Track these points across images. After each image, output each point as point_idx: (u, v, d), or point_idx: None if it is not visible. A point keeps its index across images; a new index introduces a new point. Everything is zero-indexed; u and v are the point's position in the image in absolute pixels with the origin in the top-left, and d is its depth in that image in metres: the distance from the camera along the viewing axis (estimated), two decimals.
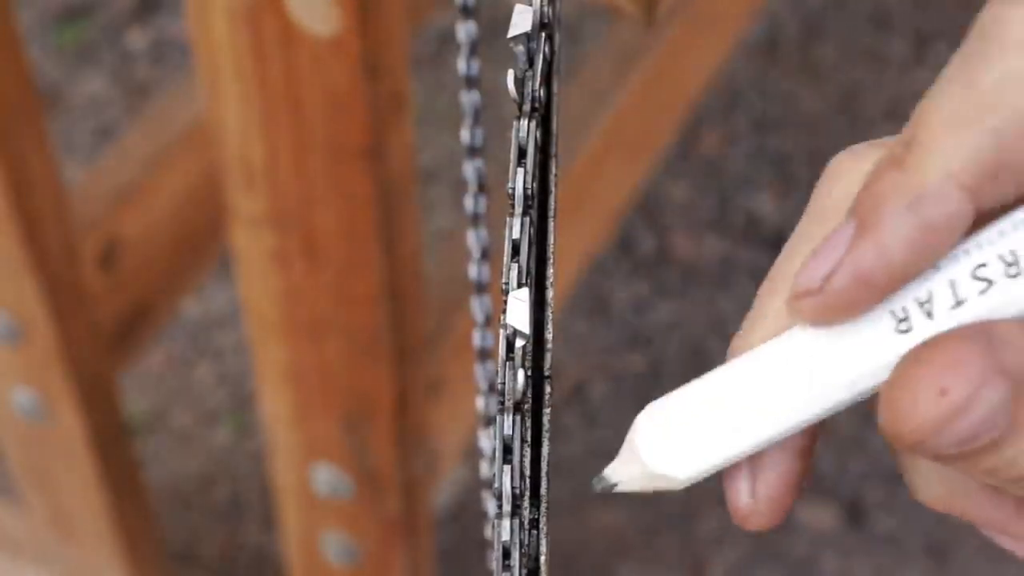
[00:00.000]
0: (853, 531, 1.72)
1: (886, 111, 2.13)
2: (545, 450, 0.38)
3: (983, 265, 0.33)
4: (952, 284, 0.33)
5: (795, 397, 0.35)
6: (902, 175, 0.34)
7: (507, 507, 0.36)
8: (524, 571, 0.36)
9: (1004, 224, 0.33)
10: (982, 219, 0.34)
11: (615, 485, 0.36)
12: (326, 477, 1.11)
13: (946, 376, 0.31)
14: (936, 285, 0.33)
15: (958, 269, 0.33)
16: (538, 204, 0.41)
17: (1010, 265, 0.33)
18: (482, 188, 0.54)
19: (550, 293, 0.40)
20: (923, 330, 0.33)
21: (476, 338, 0.56)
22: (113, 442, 1.30)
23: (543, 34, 0.42)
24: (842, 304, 0.34)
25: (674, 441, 0.35)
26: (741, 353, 0.36)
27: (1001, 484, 0.33)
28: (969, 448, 0.32)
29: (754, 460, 0.36)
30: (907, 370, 0.32)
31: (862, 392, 0.35)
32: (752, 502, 0.36)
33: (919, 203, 0.33)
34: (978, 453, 0.32)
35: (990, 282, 0.33)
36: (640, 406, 0.37)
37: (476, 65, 0.55)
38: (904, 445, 0.32)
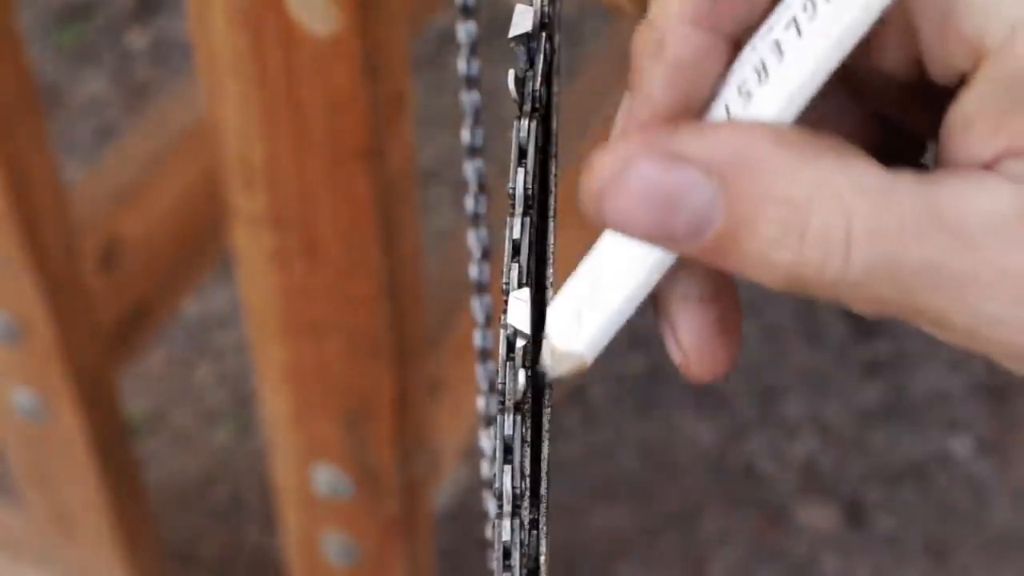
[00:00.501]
0: (853, 531, 1.72)
1: None
2: (545, 450, 0.38)
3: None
4: (725, 103, 0.35)
5: (630, 261, 0.37)
6: (647, 29, 0.35)
7: (507, 507, 0.36)
8: (524, 571, 0.36)
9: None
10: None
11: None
12: (326, 477, 1.11)
13: (606, 153, 0.33)
14: (717, 105, 0.35)
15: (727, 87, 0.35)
16: (538, 204, 0.41)
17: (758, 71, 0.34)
18: (482, 188, 0.54)
19: (550, 293, 0.40)
20: None
21: (477, 338, 0.56)
22: (113, 442, 1.30)
23: (543, 34, 0.42)
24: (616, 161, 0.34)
25: (567, 322, 0.37)
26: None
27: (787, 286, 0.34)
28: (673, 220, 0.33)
29: (669, 319, 0.38)
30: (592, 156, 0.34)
31: None
32: (681, 354, 0.37)
33: (659, 49, 0.35)
34: (717, 251, 0.33)
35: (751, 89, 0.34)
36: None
37: (476, 65, 0.55)
38: (589, 208, 0.34)
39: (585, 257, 0.38)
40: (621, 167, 0.33)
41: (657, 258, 0.37)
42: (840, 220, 0.32)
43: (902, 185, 0.32)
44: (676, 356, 0.38)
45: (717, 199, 0.32)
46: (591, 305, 0.37)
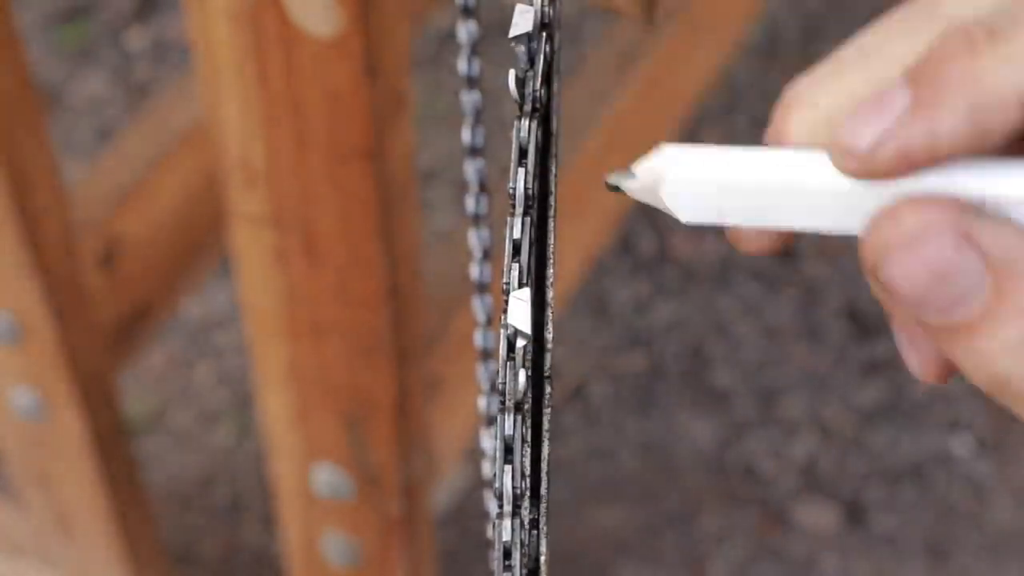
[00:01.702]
0: (853, 531, 1.72)
1: None
2: (545, 450, 0.38)
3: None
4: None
5: (805, 206, 0.37)
6: (974, 68, 0.35)
7: (507, 507, 0.36)
8: (524, 571, 0.36)
9: None
10: None
11: (618, 188, 0.39)
12: (326, 477, 1.11)
13: (906, 213, 0.34)
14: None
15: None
16: (538, 204, 0.41)
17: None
18: (483, 188, 0.54)
19: (550, 293, 0.40)
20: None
21: (478, 338, 0.56)
22: (113, 442, 1.30)
23: (544, 34, 0.42)
24: (880, 171, 0.35)
25: (690, 188, 0.37)
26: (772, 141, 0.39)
27: (970, 374, 0.36)
28: (934, 304, 0.34)
29: (911, 332, 0.39)
30: (883, 210, 0.35)
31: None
32: (922, 363, 0.39)
33: (982, 109, 0.35)
34: (951, 330, 0.34)
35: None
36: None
37: (477, 65, 0.55)
38: (866, 266, 0.35)
39: (758, 149, 0.38)
40: (920, 234, 0.34)
41: (829, 227, 0.37)
42: None
43: None
44: (915, 363, 0.39)
45: (984, 290, 0.34)
46: (727, 199, 0.37)
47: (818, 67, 0.39)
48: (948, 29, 0.36)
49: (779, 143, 0.39)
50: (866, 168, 0.35)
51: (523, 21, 0.41)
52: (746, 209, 0.37)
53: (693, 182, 0.37)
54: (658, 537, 1.72)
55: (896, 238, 0.34)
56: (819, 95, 0.38)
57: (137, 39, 2.23)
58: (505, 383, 0.37)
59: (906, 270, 0.34)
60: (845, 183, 0.36)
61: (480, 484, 1.50)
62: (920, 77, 0.35)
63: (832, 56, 0.39)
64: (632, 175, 0.39)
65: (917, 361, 0.39)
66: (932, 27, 0.37)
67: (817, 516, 1.73)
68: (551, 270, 0.40)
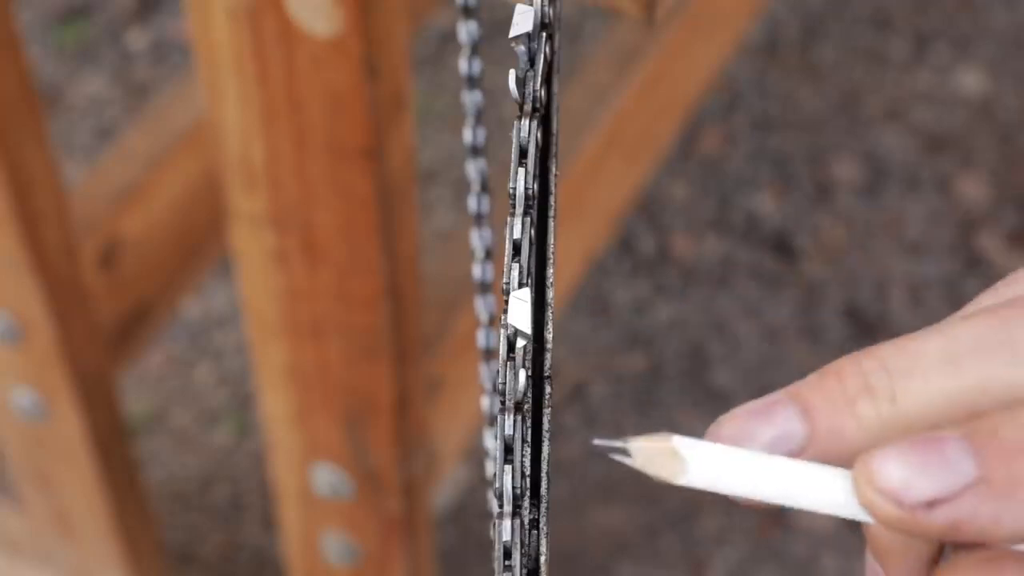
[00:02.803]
0: (853, 531, 1.72)
1: (886, 111, 2.13)
2: (545, 450, 0.38)
3: None
4: None
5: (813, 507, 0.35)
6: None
7: (508, 507, 0.36)
8: (524, 571, 0.36)
9: None
10: None
11: (624, 451, 0.37)
12: (326, 477, 1.11)
13: None
14: None
15: None
16: (539, 204, 0.41)
17: None
18: (484, 188, 0.54)
19: (550, 293, 0.40)
20: None
21: (480, 338, 0.56)
22: (113, 442, 1.30)
23: (543, 34, 0.42)
24: (922, 531, 0.33)
25: (694, 479, 0.35)
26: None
27: None
28: None
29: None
30: None
31: None
32: None
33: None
34: None
35: None
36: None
37: (477, 65, 0.55)
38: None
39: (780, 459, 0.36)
40: None
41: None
42: None
43: None
44: None
45: None
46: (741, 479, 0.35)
47: (895, 348, 0.35)
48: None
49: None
50: (906, 521, 0.33)
51: (523, 21, 0.41)
52: (756, 497, 0.36)
53: (703, 483, 0.35)
54: (658, 537, 1.72)
55: None
56: (898, 391, 0.35)
57: (137, 39, 2.23)
58: (505, 383, 0.37)
59: None
60: (860, 511, 0.34)
61: (481, 484, 1.50)
62: (987, 450, 0.33)
63: (908, 340, 0.36)
64: (626, 450, 0.37)
65: None
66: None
67: (817, 516, 1.73)
68: (551, 270, 0.40)
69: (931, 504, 0.32)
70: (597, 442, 0.36)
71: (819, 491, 0.35)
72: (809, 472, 0.35)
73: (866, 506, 0.33)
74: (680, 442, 0.35)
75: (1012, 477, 0.32)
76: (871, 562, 0.39)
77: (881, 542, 0.38)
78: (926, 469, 0.33)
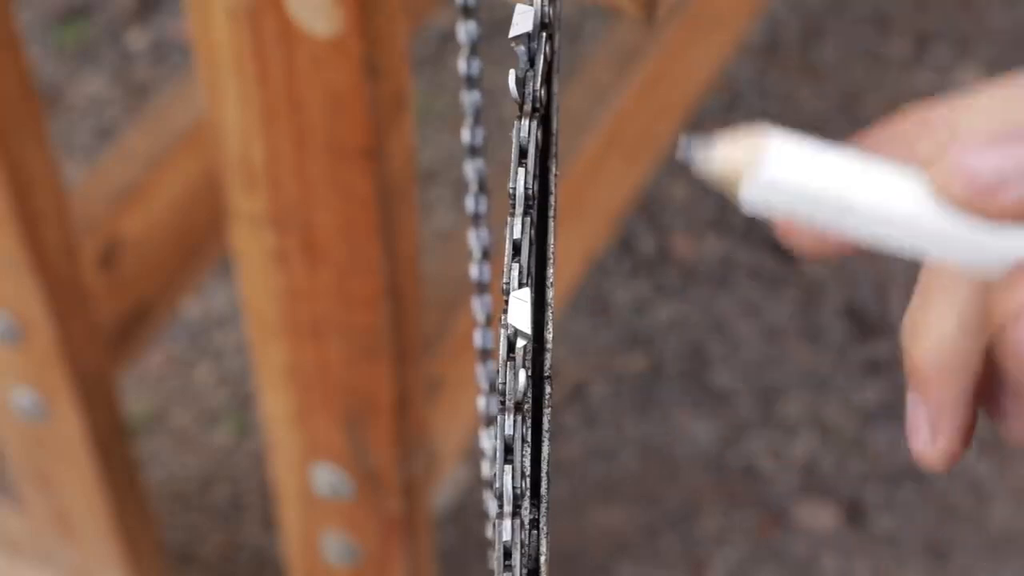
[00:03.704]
0: (853, 531, 1.72)
1: (886, 111, 2.13)
2: (545, 450, 0.38)
3: None
4: None
5: (890, 226, 0.36)
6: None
7: (508, 507, 0.36)
8: (524, 571, 0.36)
9: None
10: None
11: (700, 160, 0.35)
12: (326, 477, 1.11)
13: None
14: None
15: None
16: (538, 204, 0.41)
17: None
18: (483, 188, 0.54)
19: (550, 293, 0.40)
20: None
21: (477, 338, 0.56)
22: (113, 442, 1.30)
23: (543, 34, 0.42)
24: (997, 212, 0.34)
25: (773, 188, 0.35)
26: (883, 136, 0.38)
27: None
28: None
29: (941, 411, 0.39)
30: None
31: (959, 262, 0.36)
32: (932, 442, 0.39)
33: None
34: None
35: None
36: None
37: (477, 65, 0.55)
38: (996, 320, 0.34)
39: (865, 155, 0.36)
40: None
41: (919, 253, 0.36)
42: None
43: None
44: (923, 441, 0.39)
45: None
46: (820, 202, 0.35)
47: (952, 98, 0.38)
48: None
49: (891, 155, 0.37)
50: (977, 202, 0.34)
51: (523, 21, 0.41)
52: (823, 217, 0.35)
53: (780, 184, 0.35)
54: (658, 537, 1.72)
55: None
56: (956, 124, 0.37)
57: (137, 39, 2.23)
58: (505, 383, 0.37)
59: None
60: (940, 213, 0.35)
61: (480, 484, 1.50)
62: None
63: (967, 93, 0.38)
64: (711, 150, 0.35)
65: (929, 442, 0.39)
66: None
67: (817, 516, 1.73)
68: (551, 270, 0.40)
69: (1002, 182, 0.33)
70: (682, 143, 0.36)
71: (894, 191, 0.35)
72: (888, 171, 0.35)
73: (942, 189, 0.34)
74: (769, 130, 0.35)
75: None
76: (912, 402, 0.40)
77: (922, 360, 0.39)
78: (999, 152, 0.34)
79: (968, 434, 0.39)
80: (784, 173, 0.35)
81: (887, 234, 0.35)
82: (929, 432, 0.39)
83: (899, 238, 0.35)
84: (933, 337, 0.38)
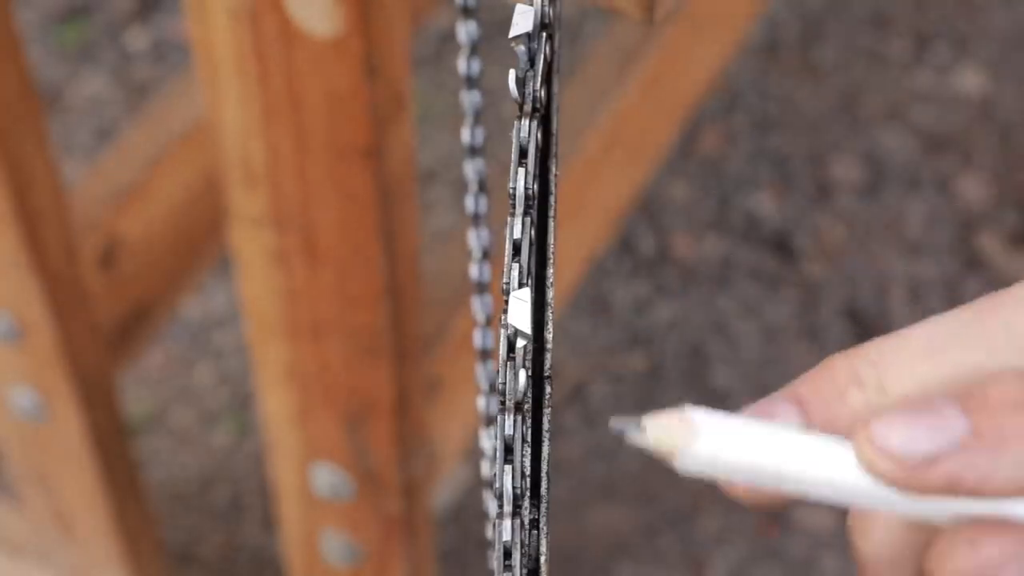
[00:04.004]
0: None
1: (886, 111, 2.13)
2: (545, 450, 0.38)
3: None
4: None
5: (821, 490, 0.37)
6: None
7: (508, 507, 0.36)
8: (524, 571, 0.36)
9: None
10: None
11: (638, 435, 0.38)
12: (326, 477, 1.11)
13: (986, 542, 0.35)
14: None
15: None
16: (539, 204, 0.41)
17: None
18: (482, 188, 0.54)
19: (550, 293, 0.40)
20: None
21: (477, 338, 0.56)
22: (113, 442, 1.30)
23: (543, 34, 0.42)
24: (920, 486, 0.36)
25: (705, 461, 0.37)
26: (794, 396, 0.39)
27: None
28: None
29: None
30: (957, 533, 0.36)
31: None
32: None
33: None
34: None
35: None
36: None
37: (476, 65, 0.55)
38: None
39: (789, 430, 0.38)
40: (1001, 566, 0.35)
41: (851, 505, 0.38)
42: None
43: None
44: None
45: None
46: (755, 464, 0.37)
47: (880, 342, 0.39)
48: (1006, 371, 0.36)
49: (825, 413, 0.38)
50: (906, 480, 0.35)
51: (523, 21, 0.41)
52: (758, 480, 0.37)
53: (711, 458, 0.37)
54: (658, 537, 1.72)
55: (976, 568, 0.35)
56: (884, 378, 0.38)
57: (137, 39, 2.23)
58: (505, 383, 0.37)
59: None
60: (868, 480, 0.36)
61: (480, 484, 1.50)
62: (979, 409, 0.36)
63: (893, 337, 0.39)
64: (640, 429, 0.38)
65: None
66: (1001, 343, 0.38)
67: (817, 516, 1.73)
68: (551, 270, 0.40)
69: (929, 461, 0.35)
70: (614, 421, 0.38)
71: (823, 462, 0.36)
72: (814, 443, 0.37)
73: (868, 467, 0.36)
74: (694, 411, 0.38)
75: (1002, 431, 0.35)
76: None
77: (870, 556, 0.40)
78: (923, 429, 0.35)
79: None
80: (715, 449, 0.37)
81: (819, 495, 0.37)
82: None
83: (832, 498, 0.37)
84: (877, 538, 0.40)
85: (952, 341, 0.38)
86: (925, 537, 0.38)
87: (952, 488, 0.35)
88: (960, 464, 0.35)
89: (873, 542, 0.39)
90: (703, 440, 0.37)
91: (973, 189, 2.04)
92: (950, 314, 0.38)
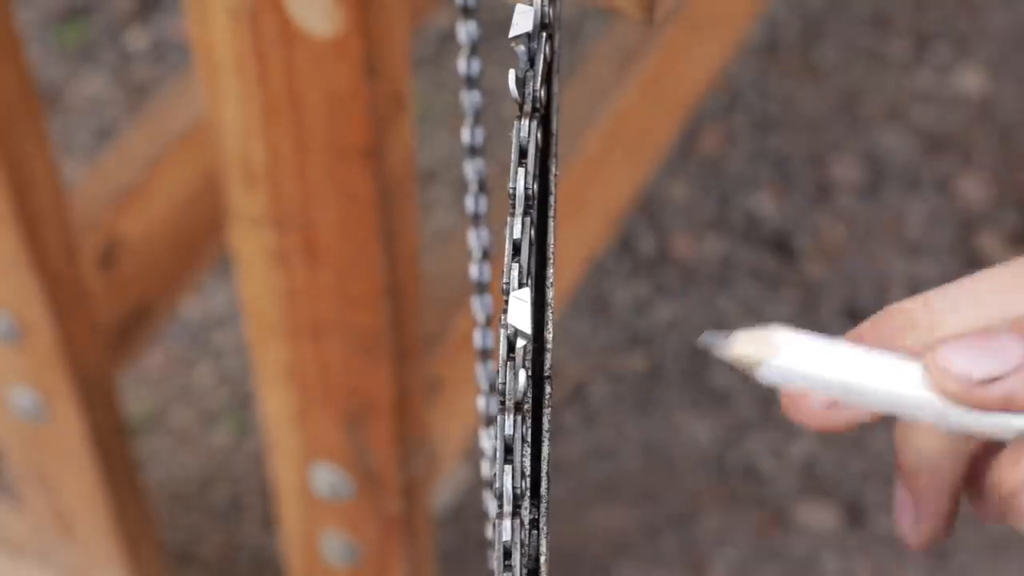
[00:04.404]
0: (853, 531, 1.72)
1: (886, 111, 2.13)
2: (545, 450, 0.38)
3: None
4: None
5: (891, 403, 0.42)
6: None
7: (508, 507, 0.36)
8: (524, 571, 0.36)
9: None
10: None
11: (724, 348, 0.41)
12: (326, 477, 1.11)
13: None
14: None
15: None
16: (539, 204, 0.41)
17: None
18: (482, 188, 0.54)
19: (550, 293, 0.40)
20: None
21: (477, 338, 0.56)
22: (113, 442, 1.30)
23: (543, 34, 0.42)
24: (980, 403, 0.41)
25: (787, 373, 0.41)
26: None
27: None
28: None
29: (921, 496, 0.46)
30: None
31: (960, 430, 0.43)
32: (917, 526, 0.47)
33: None
34: None
35: None
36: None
37: (476, 65, 0.55)
38: (1001, 491, 0.41)
39: (867, 348, 0.42)
40: None
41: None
42: None
43: None
44: (907, 525, 0.47)
45: None
46: (830, 382, 0.41)
47: (930, 294, 0.44)
48: None
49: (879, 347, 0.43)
50: (968, 397, 0.40)
51: (523, 21, 0.41)
52: (830, 391, 0.42)
53: (792, 370, 0.41)
54: (658, 537, 1.72)
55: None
56: (936, 321, 0.43)
57: (137, 39, 2.23)
58: (505, 383, 0.37)
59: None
60: (934, 398, 0.41)
61: (480, 484, 1.50)
62: None
63: (942, 289, 0.44)
64: (727, 343, 0.42)
65: (914, 526, 0.46)
66: None
67: (817, 516, 1.73)
68: (551, 270, 0.40)
69: (989, 382, 0.40)
70: (704, 336, 0.42)
71: (892, 378, 0.41)
72: (885, 360, 0.41)
73: (936, 385, 0.41)
74: (778, 328, 0.42)
75: None
76: (900, 492, 0.47)
77: (911, 461, 0.46)
78: (984, 354, 0.40)
79: (950, 520, 0.46)
80: (794, 362, 0.41)
81: (885, 408, 0.42)
82: (913, 518, 0.46)
83: (900, 412, 0.42)
84: (920, 446, 0.45)
85: (999, 290, 0.43)
86: (963, 447, 0.45)
87: (1007, 405, 0.40)
88: (1015, 384, 0.40)
89: (916, 451, 0.45)
90: (784, 353, 0.41)
91: (973, 189, 2.04)
92: (995, 268, 0.44)
